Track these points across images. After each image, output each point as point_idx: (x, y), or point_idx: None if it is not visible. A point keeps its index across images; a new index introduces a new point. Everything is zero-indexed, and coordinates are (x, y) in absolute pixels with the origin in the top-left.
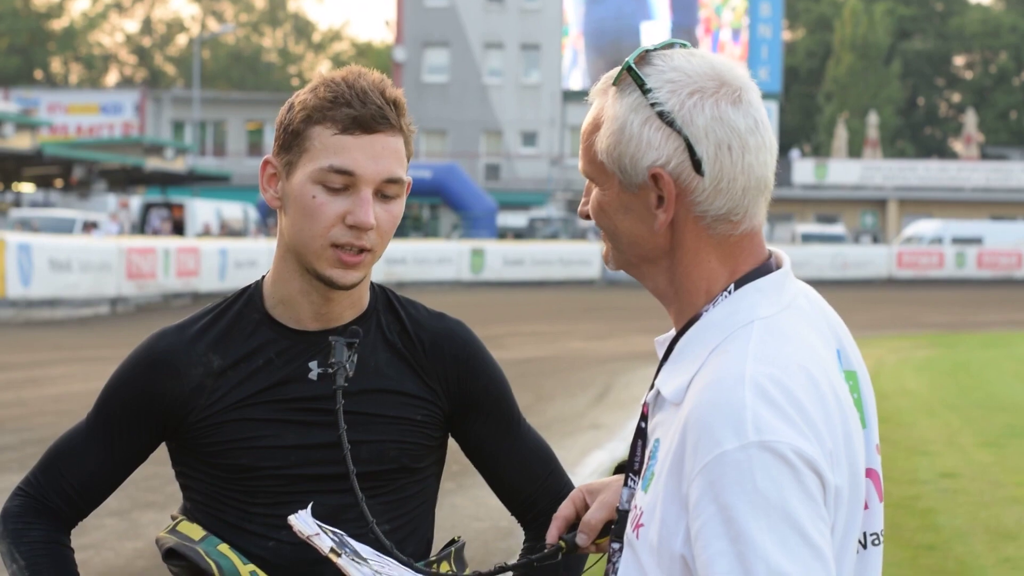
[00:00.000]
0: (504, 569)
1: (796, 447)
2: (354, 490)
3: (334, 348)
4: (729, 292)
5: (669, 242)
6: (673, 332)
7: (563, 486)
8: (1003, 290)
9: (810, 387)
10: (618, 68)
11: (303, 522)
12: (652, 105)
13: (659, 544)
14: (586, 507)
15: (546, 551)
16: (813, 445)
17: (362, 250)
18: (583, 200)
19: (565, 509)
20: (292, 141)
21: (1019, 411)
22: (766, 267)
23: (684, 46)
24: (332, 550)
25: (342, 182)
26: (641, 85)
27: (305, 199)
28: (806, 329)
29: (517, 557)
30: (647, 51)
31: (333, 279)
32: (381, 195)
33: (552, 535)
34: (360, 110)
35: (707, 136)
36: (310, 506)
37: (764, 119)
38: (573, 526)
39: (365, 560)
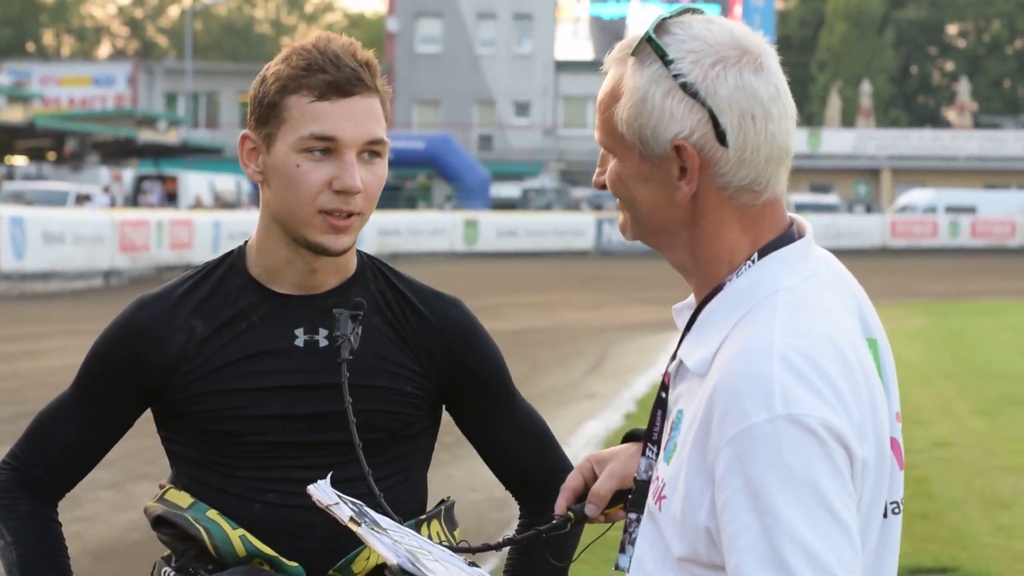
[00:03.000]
0: (513, 541)
1: (825, 420)
2: (361, 464)
3: (338, 320)
4: (752, 261)
5: (690, 213)
6: (691, 300)
7: (559, 463)
8: (997, 259)
9: (838, 359)
10: (636, 37)
11: (322, 492)
12: (675, 76)
13: (682, 516)
14: (594, 477)
15: (555, 522)
16: (841, 418)
17: (350, 214)
18: (598, 170)
19: (573, 480)
20: (269, 113)
21: (1013, 380)
22: (788, 235)
23: (699, 12)
24: (352, 519)
25: (325, 148)
26: (663, 56)
27: (289, 169)
28: (830, 298)
29: (515, 530)
30: (664, 19)
31: (325, 245)
32: (364, 157)
33: (560, 506)
34: (335, 74)
35: (731, 107)
36: (329, 476)
37: (784, 86)
38: (581, 497)
39: (384, 530)
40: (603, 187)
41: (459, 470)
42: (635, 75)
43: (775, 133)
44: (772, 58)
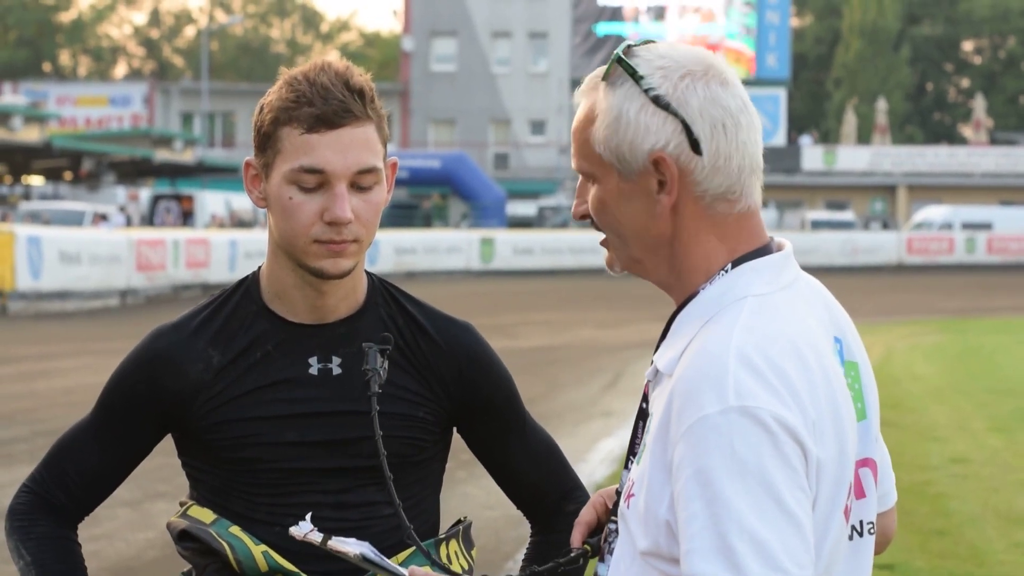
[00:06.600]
0: (537, 573)
1: (776, 414)
2: (391, 496)
3: (367, 355)
4: (726, 271)
5: (671, 227)
6: None
7: (570, 482)
8: (1013, 275)
9: (795, 358)
10: (603, 67)
11: (298, 529)
12: (646, 91)
13: (645, 511)
14: (606, 511)
15: (573, 555)
16: (795, 414)
17: (345, 241)
18: (576, 201)
19: (587, 515)
20: (266, 143)
21: None
22: (766, 249)
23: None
24: (324, 537)
25: (314, 181)
26: (633, 74)
27: (283, 201)
28: (800, 308)
29: (526, 549)
30: (630, 46)
31: (324, 269)
32: (357, 186)
33: (576, 539)
34: (322, 108)
35: (702, 116)
36: (308, 516)
37: (749, 100)
38: (594, 531)
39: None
40: (582, 217)
41: (476, 488)
42: (608, 96)
43: (745, 142)
44: (735, 75)
